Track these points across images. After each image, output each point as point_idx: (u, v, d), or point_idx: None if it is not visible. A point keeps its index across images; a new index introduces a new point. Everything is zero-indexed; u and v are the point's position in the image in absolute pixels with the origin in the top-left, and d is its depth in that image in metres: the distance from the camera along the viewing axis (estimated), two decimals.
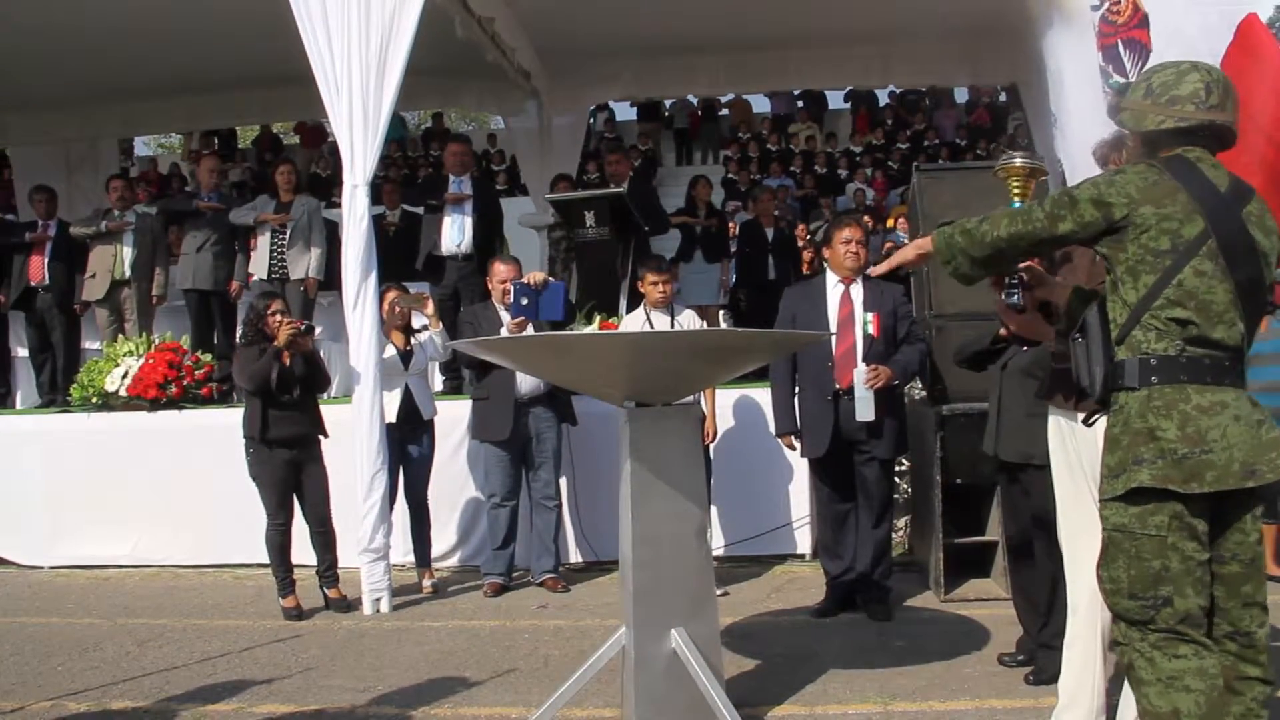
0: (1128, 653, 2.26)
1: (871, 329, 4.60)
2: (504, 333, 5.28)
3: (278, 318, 5.14)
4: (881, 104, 16.25)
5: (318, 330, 5.43)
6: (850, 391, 4.54)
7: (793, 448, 4.89)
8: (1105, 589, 2.30)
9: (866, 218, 9.90)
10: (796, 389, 4.79)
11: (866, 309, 4.63)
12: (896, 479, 5.83)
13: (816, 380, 4.66)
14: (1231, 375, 2.24)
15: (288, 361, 5.08)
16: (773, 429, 4.97)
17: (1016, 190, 2.82)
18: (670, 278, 5.38)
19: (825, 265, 4.86)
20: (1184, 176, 2.23)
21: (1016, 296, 3.02)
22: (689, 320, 5.37)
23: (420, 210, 7.78)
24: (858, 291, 4.70)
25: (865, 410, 4.49)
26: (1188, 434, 2.16)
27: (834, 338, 4.61)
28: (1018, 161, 2.80)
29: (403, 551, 5.74)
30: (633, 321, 5.41)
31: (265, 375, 5.00)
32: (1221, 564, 2.24)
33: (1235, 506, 2.22)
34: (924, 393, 5.60)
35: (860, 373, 4.50)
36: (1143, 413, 2.21)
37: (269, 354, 5.05)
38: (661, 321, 5.21)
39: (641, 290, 5.37)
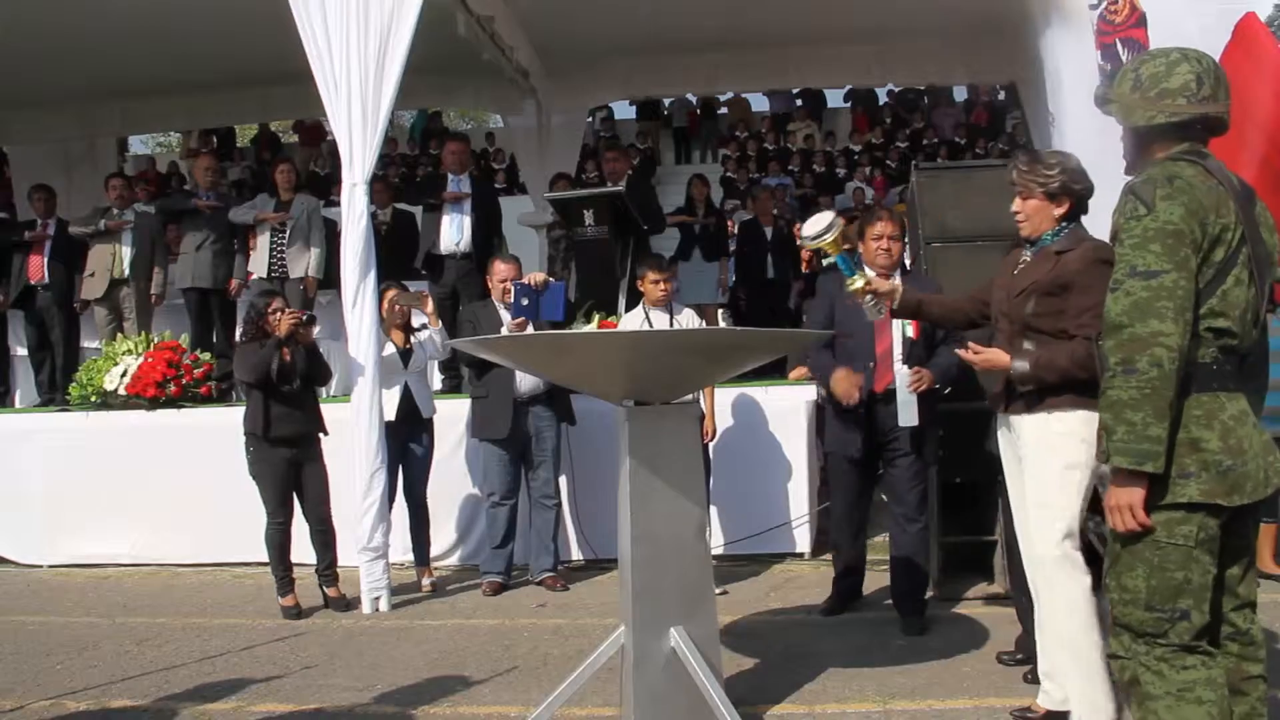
0: (1130, 666, 2.17)
1: (911, 331, 4.41)
2: (504, 332, 5.28)
3: (278, 315, 5.13)
4: (880, 103, 16.26)
5: (317, 329, 5.43)
6: (883, 395, 4.39)
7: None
8: (1114, 598, 2.20)
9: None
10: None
11: None
12: None
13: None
14: (1241, 379, 2.21)
15: (288, 357, 5.08)
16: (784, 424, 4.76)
17: (831, 254, 3.22)
18: (670, 276, 5.36)
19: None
20: (1222, 177, 2.16)
21: (878, 309, 3.33)
22: (688, 319, 5.36)
23: (413, 209, 7.79)
24: None
25: (908, 415, 4.30)
26: (1230, 445, 2.11)
27: (879, 315, 4.44)
28: (829, 238, 3.17)
29: (402, 550, 5.74)
30: (632, 320, 5.41)
31: (266, 365, 4.99)
32: (1224, 568, 2.21)
33: (1244, 513, 2.18)
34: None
35: (903, 376, 4.31)
36: (1184, 422, 2.12)
37: (270, 344, 5.05)
38: (661, 320, 5.21)
39: (641, 289, 5.36)
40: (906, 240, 4.97)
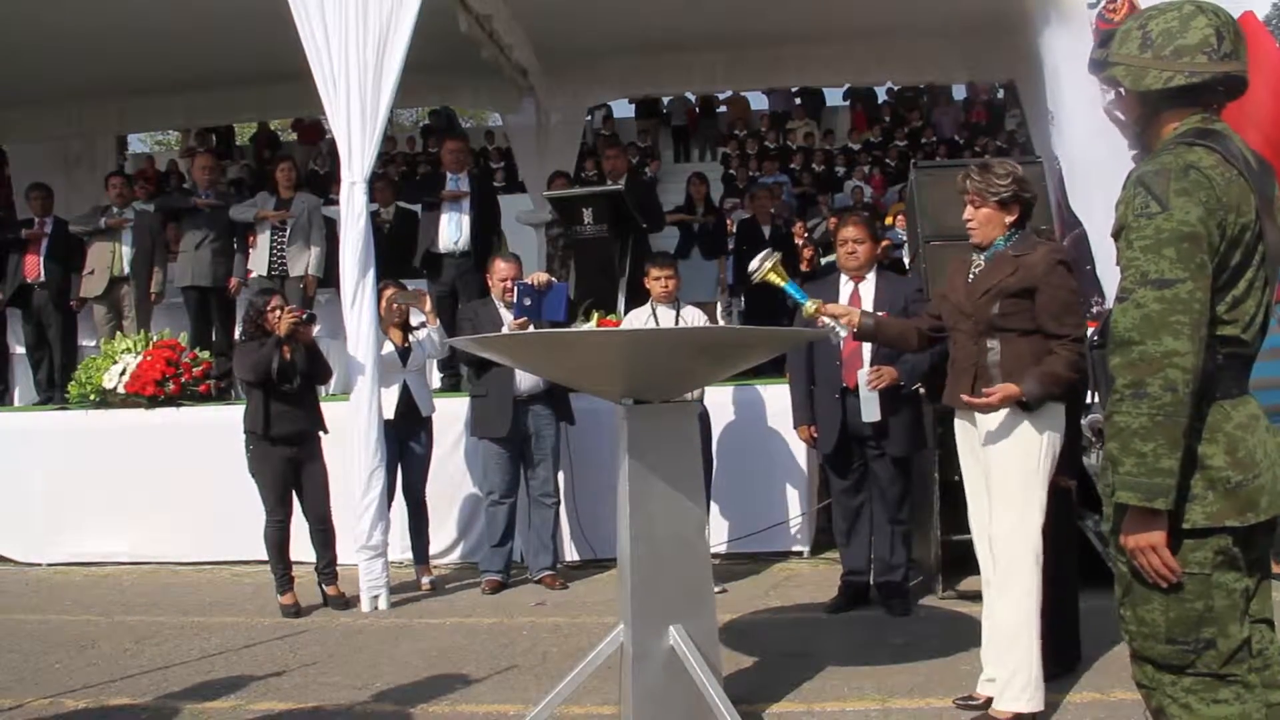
0: (1156, 697, 1.97)
1: None
2: (505, 331, 5.27)
3: (278, 314, 5.13)
4: (879, 101, 16.25)
5: (316, 327, 5.43)
6: (857, 390, 4.50)
7: (810, 441, 4.85)
8: (1130, 630, 1.98)
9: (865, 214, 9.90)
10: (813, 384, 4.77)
11: (877, 307, 4.51)
12: None
13: (826, 377, 4.65)
14: (1246, 381, 1.98)
15: (289, 355, 5.08)
16: (784, 422, 4.93)
17: (780, 282, 3.37)
18: (673, 272, 5.36)
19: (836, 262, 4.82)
20: (1241, 164, 1.90)
21: (839, 330, 3.51)
22: (693, 316, 5.36)
23: (414, 207, 7.78)
24: (868, 289, 4.61)
25: (870, 411, 4.45)
26: (1239, 459, 1.88)
27: (841, 336, 4.58)
28: (767, 268, 3.36)
29: (401, 549, 5.74)
30: (638, 317, 5.40)
31: (266, 364, 4.99)
32: None
33: (1261, 526, 1.94)
34: (921, 389, 5.59)
35: (863, 374, 4.45)
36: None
37: (270, 343, 5.05)
38: (666, 317, 5.21)
39: (646, 285, 5.37)
40: (905, 240, 5.00)
